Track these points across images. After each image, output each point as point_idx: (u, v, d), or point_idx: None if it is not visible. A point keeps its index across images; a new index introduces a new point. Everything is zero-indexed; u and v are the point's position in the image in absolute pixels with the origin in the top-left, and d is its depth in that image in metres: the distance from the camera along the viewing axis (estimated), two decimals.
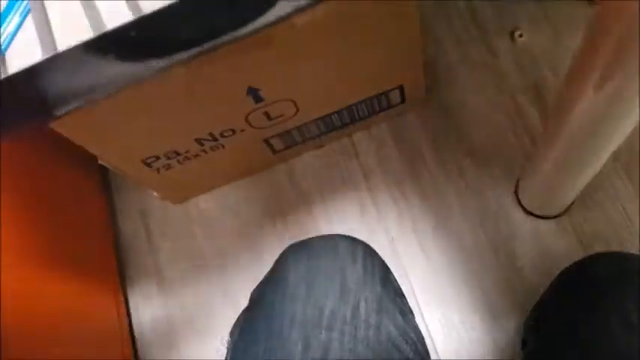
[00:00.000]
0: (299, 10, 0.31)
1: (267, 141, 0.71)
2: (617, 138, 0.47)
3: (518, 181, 0.72)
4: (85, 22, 0.31)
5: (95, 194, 0.79)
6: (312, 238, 0.46)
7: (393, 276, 0.46)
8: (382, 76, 0.67)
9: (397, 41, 0.60)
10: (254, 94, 0.58)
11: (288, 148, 0.75)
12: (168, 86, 0.50)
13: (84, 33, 0.31)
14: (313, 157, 0.78)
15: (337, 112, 0.70)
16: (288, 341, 0.39)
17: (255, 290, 0.46)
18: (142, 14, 0.29)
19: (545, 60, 0.77)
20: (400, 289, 0.46)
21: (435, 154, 0.75)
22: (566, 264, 0.56)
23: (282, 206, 0.77)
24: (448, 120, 0.76)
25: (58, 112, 0.38)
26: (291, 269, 0.43)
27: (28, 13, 0.32)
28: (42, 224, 0.65)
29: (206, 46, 0.32)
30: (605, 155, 0.51)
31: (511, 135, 0.74)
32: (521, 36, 0.77)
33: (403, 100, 0.73)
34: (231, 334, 0.46)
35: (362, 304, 0.41)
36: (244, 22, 0.31)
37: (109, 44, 0.32)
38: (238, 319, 0.46)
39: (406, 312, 0.44)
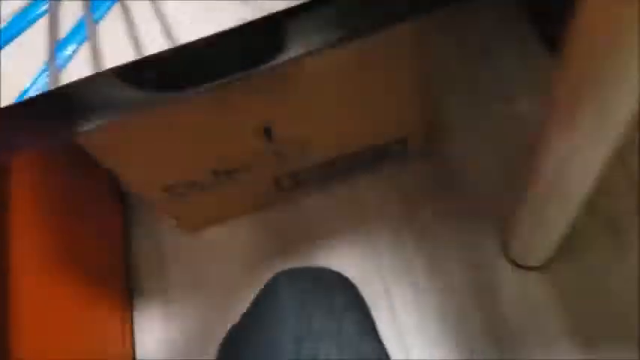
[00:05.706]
0: (309, 54, 0.37)
1: (277, 179, 0.77)
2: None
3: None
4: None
5: (114, 215, 0.84)
6: (303, 266, 0.50)
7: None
8: (387, 126, 0.74)
9: (398, 90, 0.67)
10: (267, 132, 0.65)
11: (295, 187, 0.81)
12: (187, 116, 0.58)
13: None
14: (318, 199, 0.84)
15: (343, 157, 0.77)
16: (280, 347, 0.43)
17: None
18: (177, 45, 0.34)
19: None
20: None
21: (432, 202, 0.81)
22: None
23: (286, 244, 0.82)
24: (448, 170, 0.82)
25: (81, 129, 0.41)
26: (285, 287, 0.47)
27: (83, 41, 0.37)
28: (61, 231, 0.70)
29: (220, 81, 0.37)
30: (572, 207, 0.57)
31: (507, 189, 0.80)
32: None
33: (405, 151, 0.80)
34: (221, 345, 0.49)
35: (347, 322, 0.45)
36: (257, 64, 0.37)
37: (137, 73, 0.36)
38: (227, 332, 0.50)
39: (383, 343, 0.47)
